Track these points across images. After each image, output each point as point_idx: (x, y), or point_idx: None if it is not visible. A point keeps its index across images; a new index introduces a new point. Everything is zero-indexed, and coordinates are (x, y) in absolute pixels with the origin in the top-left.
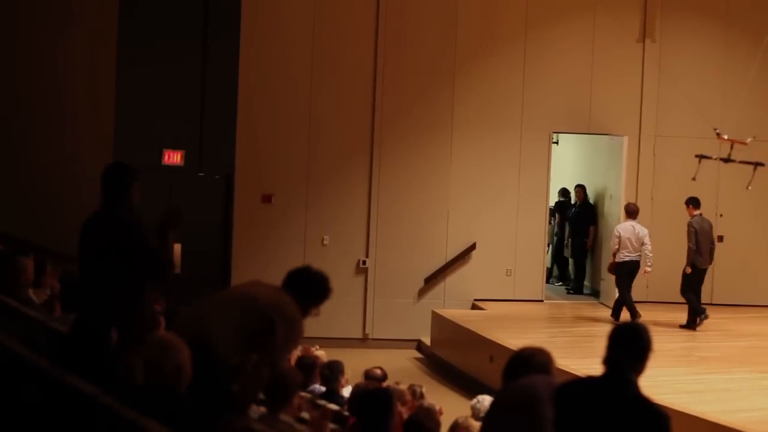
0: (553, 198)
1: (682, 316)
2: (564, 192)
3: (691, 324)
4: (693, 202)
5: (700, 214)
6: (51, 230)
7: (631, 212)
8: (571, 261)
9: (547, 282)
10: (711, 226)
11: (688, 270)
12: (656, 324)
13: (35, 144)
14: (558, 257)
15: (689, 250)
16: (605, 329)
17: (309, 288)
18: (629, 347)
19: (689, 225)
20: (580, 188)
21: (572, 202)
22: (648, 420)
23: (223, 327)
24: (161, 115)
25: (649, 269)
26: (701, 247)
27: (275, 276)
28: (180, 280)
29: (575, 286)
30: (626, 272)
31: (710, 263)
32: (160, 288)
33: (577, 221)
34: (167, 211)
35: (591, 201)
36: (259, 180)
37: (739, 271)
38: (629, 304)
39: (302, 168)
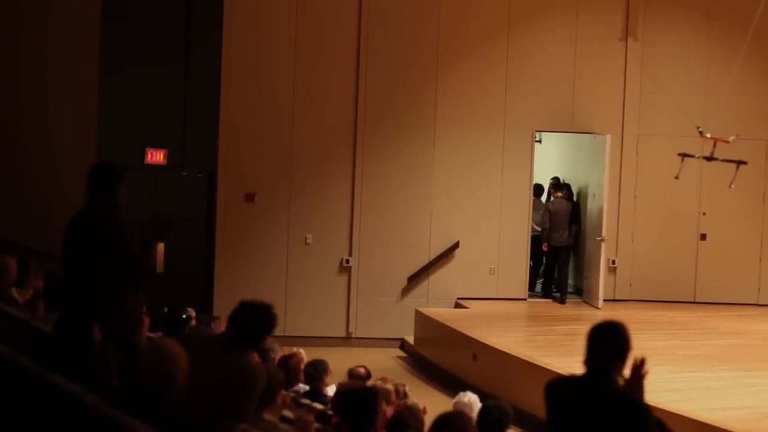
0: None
1: (665, 314)
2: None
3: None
4: (556, 186)
5: (561, 196)
6: (34, 229)
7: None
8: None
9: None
10: (568, 207)
11: (545, 247)
12: (639, 322)
13: (19, 143)
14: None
15: (543, 229)
16: (588, 327)
17: (256, 329)
18: (609, 347)
19: (545, 206)
20: (565, 187)
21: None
22: (630, 413)
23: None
24: (144, 114)
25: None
26: (556, 225)
27: (258, 275)
28: (163, 280)
29: (556, 285)
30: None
31: (563, 240)
32: (141, 290)
33: None
34: (156, 219)
35: (575, 200)
36: (242, 179)
37: (721, 269)
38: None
39: (285, 167)
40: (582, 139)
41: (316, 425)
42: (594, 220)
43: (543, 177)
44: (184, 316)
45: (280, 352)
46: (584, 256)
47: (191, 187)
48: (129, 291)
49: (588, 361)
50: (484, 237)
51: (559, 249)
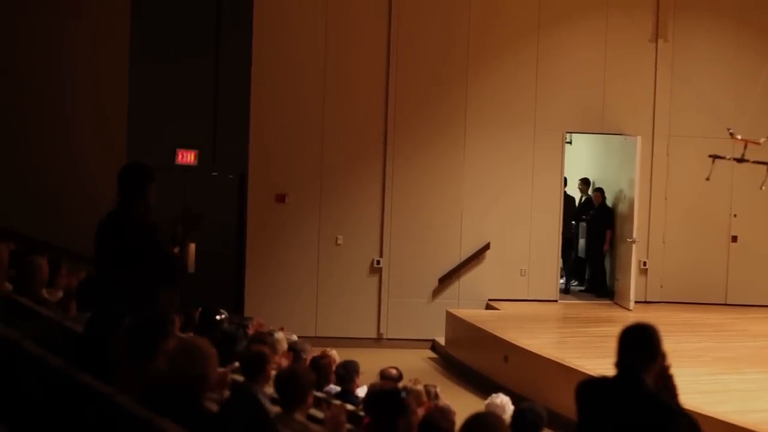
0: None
1: (697, 316)
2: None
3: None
4: None
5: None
6: (65, 230)
7: None
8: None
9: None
10: (571, 201)
11: None
12: (670, 324)
13: (50, 144)
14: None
15: None
16: (619, 329)
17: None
18: (640, 349)
19: None
20: (598, 191)
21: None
22: (661, 415)
23: None
24: (174, 115)
25: None
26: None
27: (288, 276)
28: (194, 280)
29: (591, 288)
30: None
31: (569, 233)
32: (174, 289)
33: (595, 224)
34: (186, 215)
35: (609, 204)
36: (272, 179)
37: (753, 271)
38: None
39: (315, 167)
40: (612, 140)
41: (348, 426)
42: (625, 221)
43: (573, 178)
44: (219, 318)
45: (311, 352)
46: (616, 257)
47: (222, 188)
48: (161, 290)
49: (619, 363)
50: (514, 238)
51: (567, 241)
